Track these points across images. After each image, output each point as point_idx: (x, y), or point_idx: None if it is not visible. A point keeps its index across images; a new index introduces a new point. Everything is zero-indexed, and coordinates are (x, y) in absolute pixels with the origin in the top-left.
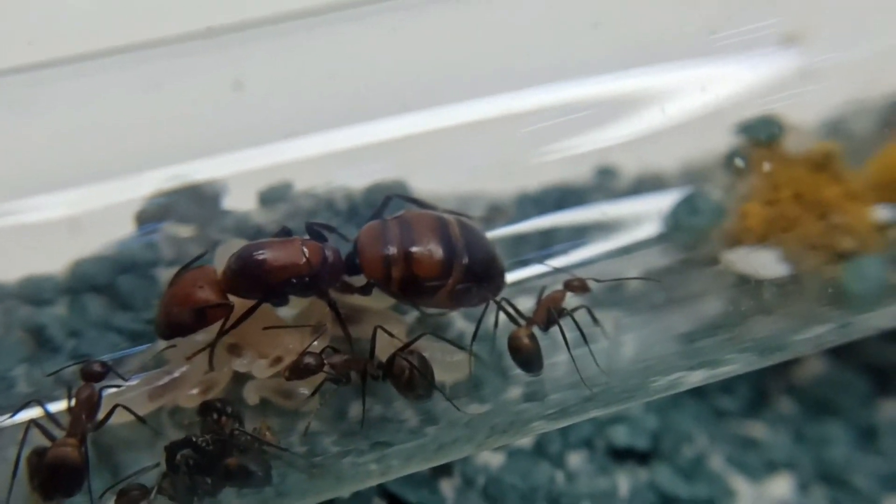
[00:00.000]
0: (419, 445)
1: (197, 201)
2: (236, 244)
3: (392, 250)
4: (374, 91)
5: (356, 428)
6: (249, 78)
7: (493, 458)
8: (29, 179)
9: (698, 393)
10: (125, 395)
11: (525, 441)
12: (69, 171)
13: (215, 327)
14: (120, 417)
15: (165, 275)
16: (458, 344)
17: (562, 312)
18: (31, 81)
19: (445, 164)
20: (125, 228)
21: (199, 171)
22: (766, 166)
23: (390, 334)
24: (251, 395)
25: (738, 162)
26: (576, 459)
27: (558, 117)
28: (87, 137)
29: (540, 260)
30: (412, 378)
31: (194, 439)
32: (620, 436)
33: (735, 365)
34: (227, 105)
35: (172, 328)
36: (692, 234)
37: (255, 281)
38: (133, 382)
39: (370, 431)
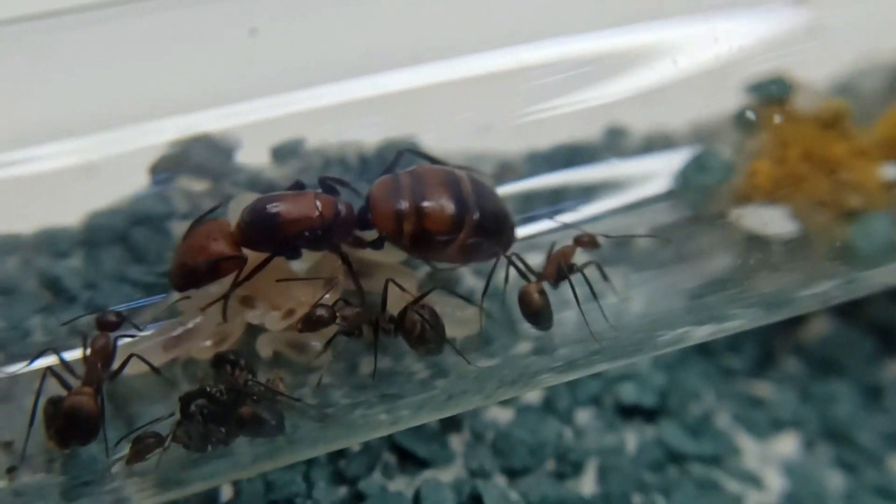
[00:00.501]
0: (429, 397)
1: (210, 152)
2: (250, 197)
3: (404, 205)
4: (386, 43)
5: (367, 381)
6: (264, 25)
7: (502, 414)
8: (43, 127)
9: (705, 351)
10: (140, 346)
11: (534, 397)
12: (84, 120)
13: (229, 279)
14: (135, 368)
15: (179, 228)
16: (468, 299)
17: (572, 268)
18: (47, 28)
19: (457, 121)
20: (140, 178)
21: (212, 121)
22: (777, 118)
23: (401, 288)
24: (264, 347)
25: (749, 114)
26: (584, 416)
27: (569, 71)
28: (101, 86)
29: (550, 216)
30: (423, 332)
31: (209, 389)
32: (628, 393)
33: (741, 320)
34: (241, 53)
35: (186, 280)
36: (701, 192)
37: (269, 234)
38: (147, 333)
39: (381, 384)
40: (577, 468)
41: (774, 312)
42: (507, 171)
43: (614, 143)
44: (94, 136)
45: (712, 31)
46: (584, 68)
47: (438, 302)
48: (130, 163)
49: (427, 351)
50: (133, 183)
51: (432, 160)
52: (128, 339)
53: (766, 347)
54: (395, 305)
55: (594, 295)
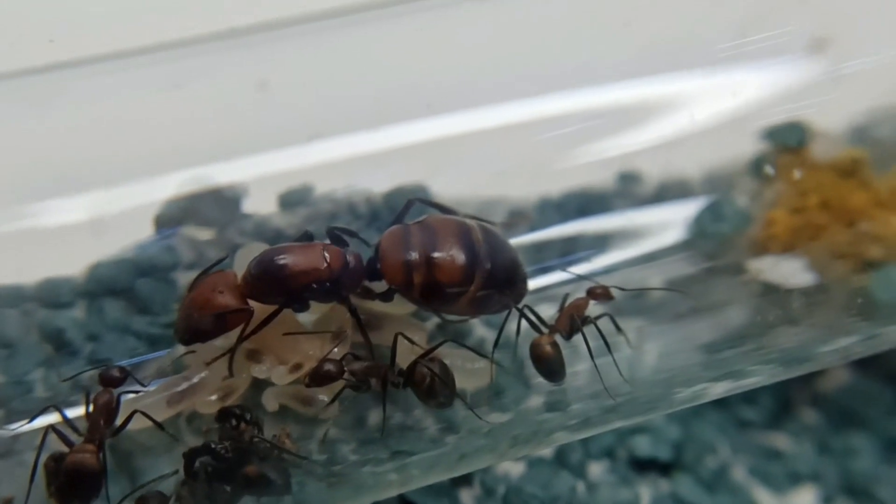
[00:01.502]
0: (440, 454)
1: (217, 204)
2: (257, 248)
3: (414, 256)
4: (397, 93)
5: (376, 436)
6: (274, 78)
7: (513, 468)
8: (48, 180)
9: (721, 403)
10: (143, 401)
11: (546, 450)
12: (89, 173)
13: (235, 333)
14: (138, 423)
15: (185, 279)
16: (479, 351)
17: (585, 320)
18: (52, 81)
19: (468, 168)
20: (145, 231)
21: (219, 173)
22: (797, 174)
23: (411, 341)
24: (270, 401)
25: (768, 169)
26: (597, 470)
27: (583, 122)
28: (107, 138)
29: (562, 267)
30: (433, 385)
31: (213, 446)
32: (642, 446)
33: (759, 377)
34: (250, 106)
35: (192, 333)
36: (717, 242)
37: (276, 286)
38: (151, 388)
39: (390, 439)
40: None
41: (794, 368)
42: (519, 218)
43: (627, 190)
44: (100, 189)
45: (730, 82)
46: (599, 120)
47: (448, 354)
48: (137, 217)
49: (437, 405)
50: (139, 236)
51: (443, 209)
52: (132, 395)
53: (783, 398)
54: (404, 358)
55: (608, 347)
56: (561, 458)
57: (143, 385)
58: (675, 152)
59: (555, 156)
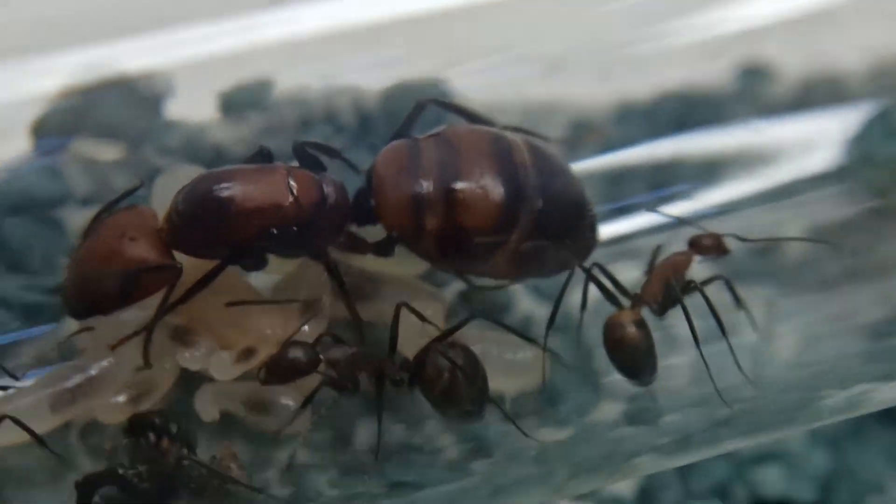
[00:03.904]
0: (463, 489)
1: (126, 105)
2: (186, 174)
3: (426, 187)
4: None
5: (367, 460)
6: None
7: None
8: None
9: (890, 417)
10: (15, 402)
11: (625, 487)
12: None
13: (154, 300)
14: (7, 436)
15: (77, 219)
16: (524, 334)
17: (687, 286)
18: None
19: (505, 55)
20: (16, 146)
21: (129, 55)
22: None
23: (422, 317)
24: (207, 406)
25: None
26: None
27: None
28: None
29: (652, 206)
30: (454, 385)
31: (121, 472)
32: (771, 481)
33: None
34: None
35: (88, 301)
36: (890, 170)
37: (216, 231)
38: (27, 383)
39: (387, 466)
40: None
41: None
42: (586, 133)
43: (752, 91)
44: None
45: None
46: None
47: (478, 339)
48: (6, 117)
49: (460, 414)
50: (8, 148)
51: (470, 117)
52: None
53: None
54: (410, 343)
55: (722, 330)
56: (647, 498)
57: (13, 377)
58: (824, 31)
59: (638, 35)
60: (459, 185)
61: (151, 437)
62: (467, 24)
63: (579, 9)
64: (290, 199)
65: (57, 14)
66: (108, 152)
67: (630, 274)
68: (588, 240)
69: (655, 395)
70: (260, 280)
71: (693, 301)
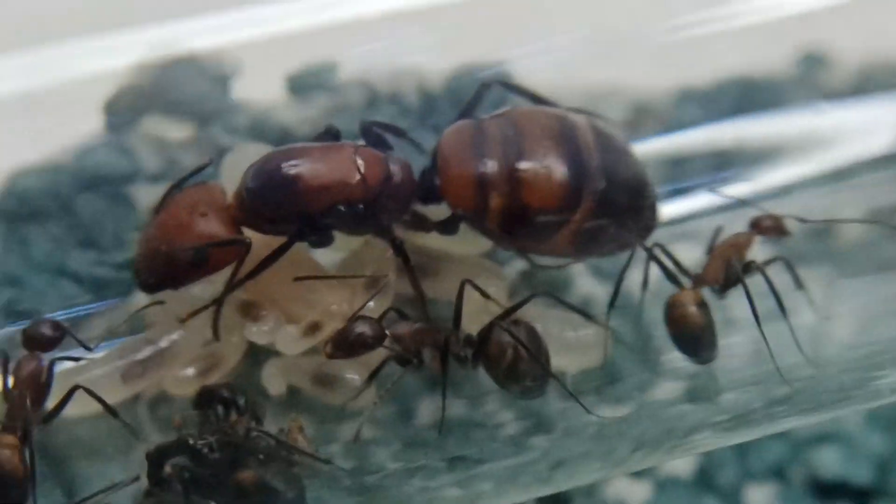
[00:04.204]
0: (523, 463)
1: (196, 85)
2: (255, 152)
3: (490, 167)
4: None
5: (429, 435)
6: None
7: (633, 490)
8: None
9: None
10: (88, 374)
11: (682, 466)
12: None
13: (224, 275)
14: (80, 407)
15: (148, 196)
16: (586, 312)
17: (747, 267)
18: None
19: (567, 38)
20: (88, 125)
21: (199, 36)
22: None
23: (485, 294)
24: (274, 380)
25: None
26: (759, 495)
27: None
28: None
29: (713, 187)
30: (516, 362)
31: (191, 442)
32: (829, 463)
33: None
34: None
35: (159, 276)
36: None
37: (284, 208)
38: (98, 355)
39: (449, 441)
40: None
41: None
42: (648, 117)
43: (812, 76)
44: (27, 53)
45: None
46: None
47: (540, 316)
48: (76, 102)
49: (522, 390)
50: (80, 126)
51: (535, 98)
52: (71, 364)
53: None
54: (474, 320)
55: (782, 310)
56: (705, 477)
57: (87, 348)
58: (884, 13)
59: (697, 20)
60: (523, 165)
61: (220, 409)
62: (528, 9)
63: None
64: (357, 176)
65: None
66: (177, 131)
67: (690, 255)
68: (649, 220)
69: (714, 374)
70: (326, 257)
71: (753, 282)
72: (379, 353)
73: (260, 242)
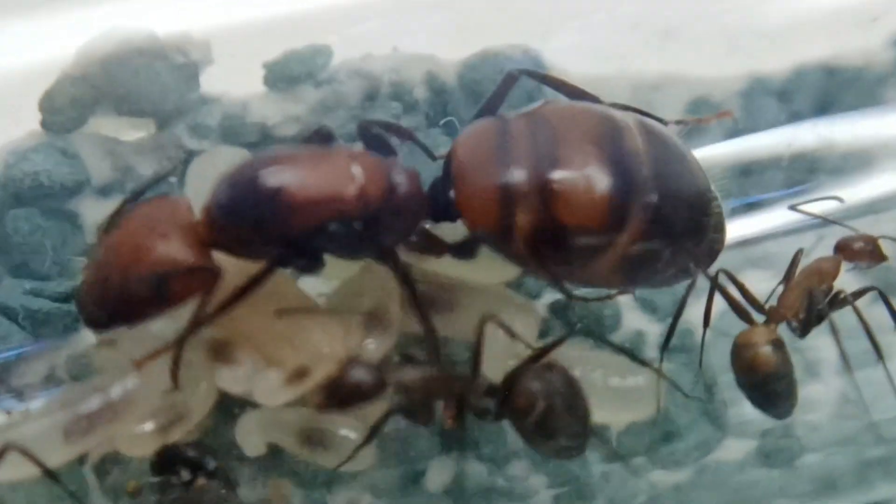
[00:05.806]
0: None
1: (156, 76)
2: (228, 157)
3: (517, 176)
4: None
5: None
6: None
7: None
8: None
9: None
10: (22, 429)
11: None
12: None
13: (189, 309)
14: (14, 470)
15: (95, 211)
16: (635, 355)
17: (834, 299)
18: None
19: (609, 19)
20: (23, 124)
21: (159, 16)
22: None
23: (511, 333)
24: (252, 437)
25: None
26: None
27: None
28: None
29: (790, 202)
30: (549, 416)
31: None
32: None
33: None
34: None
35: (109, 310)
36: None
37: (264, 226)
38: (36, 406)
39: None
40: None
41: None
42: (711, 115)
43: None
44: None
45: None
46: None
47: (580, 360)
48: (9, 89)
49: (557, 450)
50: (12, 125)
51: (571, 92)
52: (1, 419)
53: None
54: (496, 364)
55: (877, 352)
56: None
57: (19, 397)
58: None
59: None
60: (558, 175)
61: (184, 473)
62: None
63: None
64: (353, 188)
65: None
66: (132, 131)
67: (764, 284)
68: (713, 242)
69: (793, 431)
70: (315, 286)
71: (842, 318)
72: (381, 406)
73: (233, 269)
